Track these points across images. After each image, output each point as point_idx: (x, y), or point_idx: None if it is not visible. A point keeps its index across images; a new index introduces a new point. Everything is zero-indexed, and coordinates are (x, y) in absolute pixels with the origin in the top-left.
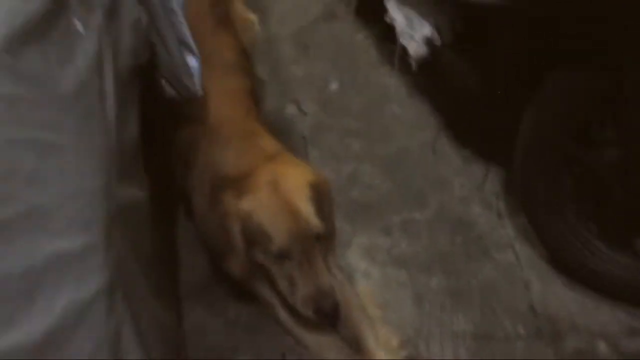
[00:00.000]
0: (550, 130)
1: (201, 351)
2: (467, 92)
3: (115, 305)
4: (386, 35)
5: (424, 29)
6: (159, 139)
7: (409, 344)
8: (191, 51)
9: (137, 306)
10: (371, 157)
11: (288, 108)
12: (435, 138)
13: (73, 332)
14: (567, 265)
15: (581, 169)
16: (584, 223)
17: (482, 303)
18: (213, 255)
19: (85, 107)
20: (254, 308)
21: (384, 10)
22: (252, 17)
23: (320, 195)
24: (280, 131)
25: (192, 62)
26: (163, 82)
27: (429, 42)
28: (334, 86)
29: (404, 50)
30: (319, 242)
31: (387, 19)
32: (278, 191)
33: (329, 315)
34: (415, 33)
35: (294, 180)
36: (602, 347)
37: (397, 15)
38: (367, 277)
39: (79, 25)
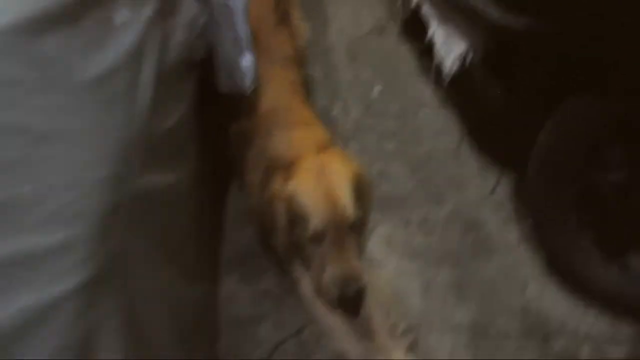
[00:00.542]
0: (564, 148)
1: (229, 319)
2: (490, 106)
3: (97, 301)
4: (426, 49)
5: (460, 47)
6: (220, 126)
7: (411, 332)
8: (247, 50)
9: (140, 290)
10: (401, 157)
11: (335, 107)
12: (458, 144)
13: (29, 333)
14: (563, 270)
15: (586, 185)
16: (583, 232)
17: (481, 300)
18: (260, 229)
19: (108, 96)
20: (283, 282)
21: (426, 27)
22: (305, 25)
23: (361, 189)
24: (326, 127)
25: (246, 61)
26: (220, 76)
27: (462, 59)
28: (376, 91)
29: (440, 64)
30: (352, 231)
31: (429, 36)
32: (323, 179)
33: (352, 300)
34: (451, 50)
35: (339, 171)
36: (587, 350)
37: (437, 33)
38: (382, 266)
39: (120, 18)
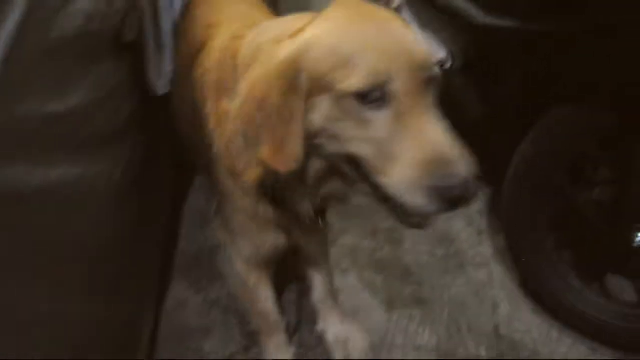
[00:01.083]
0: (544, 162)
1: (175, 327)
2: (468, 115)
3: None
4: None
5: (439, 53)
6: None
7: (372, 350)
8: (168, 58)
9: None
10: None
11: None
12: None
13: None
14: (537, 291)
15: (566, 202)
16: (559, 253)
17: (449, 319)
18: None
19: None
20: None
21: None
22: None
23: None
24: None
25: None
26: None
27: (440, 65)
28: None
29: None
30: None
31: None
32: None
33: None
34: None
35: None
36: None
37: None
38: (344, 277)
39: None
